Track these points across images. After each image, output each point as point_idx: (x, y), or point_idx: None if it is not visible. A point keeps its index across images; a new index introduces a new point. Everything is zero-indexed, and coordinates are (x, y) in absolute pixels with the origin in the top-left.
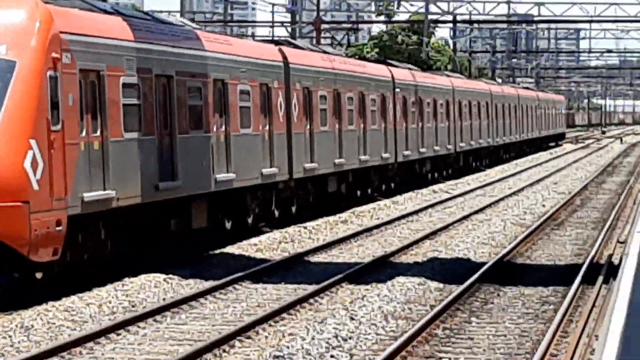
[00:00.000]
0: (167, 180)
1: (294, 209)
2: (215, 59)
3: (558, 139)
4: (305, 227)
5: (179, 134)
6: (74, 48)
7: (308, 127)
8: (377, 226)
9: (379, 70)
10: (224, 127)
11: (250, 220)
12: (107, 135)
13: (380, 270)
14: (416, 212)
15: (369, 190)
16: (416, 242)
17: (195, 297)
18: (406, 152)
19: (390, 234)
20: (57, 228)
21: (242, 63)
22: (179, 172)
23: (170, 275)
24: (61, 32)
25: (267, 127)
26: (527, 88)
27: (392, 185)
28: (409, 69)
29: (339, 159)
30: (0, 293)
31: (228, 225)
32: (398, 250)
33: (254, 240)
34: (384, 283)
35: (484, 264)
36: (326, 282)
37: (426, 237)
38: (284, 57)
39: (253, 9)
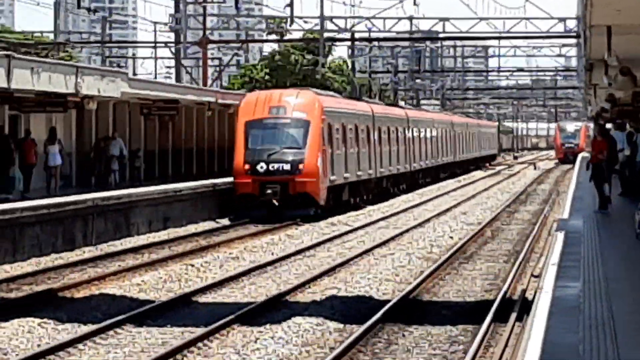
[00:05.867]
0: (346, 173)
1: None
2: (355, 114)
3: (492, 159)
4: (192, 265)
5: (349, 150)
6: (327, 114)
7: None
8: (271, 262)
9: (398, 110)
10: (365, 147)
11: (357, 199)
12: (333, 151)
13: (275, 310)
14: (313, 246)
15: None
16: (313, 279)
17: (72, 343)
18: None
19: (285, 271)
20: (326, 191)
21: (360, 115)
22: (349, 169)
23: (45, 320)
24: (323, 107)
25: (368, 147)
26: (468, 116)
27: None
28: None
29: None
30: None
31: (352, 200)
32: (294, 289)
33: (136, 279)
34: (279, 324)
35: (387, 301)
36: (216, 324)
37: (324, 273)
38: (372, 110)
39: (134, 28)
